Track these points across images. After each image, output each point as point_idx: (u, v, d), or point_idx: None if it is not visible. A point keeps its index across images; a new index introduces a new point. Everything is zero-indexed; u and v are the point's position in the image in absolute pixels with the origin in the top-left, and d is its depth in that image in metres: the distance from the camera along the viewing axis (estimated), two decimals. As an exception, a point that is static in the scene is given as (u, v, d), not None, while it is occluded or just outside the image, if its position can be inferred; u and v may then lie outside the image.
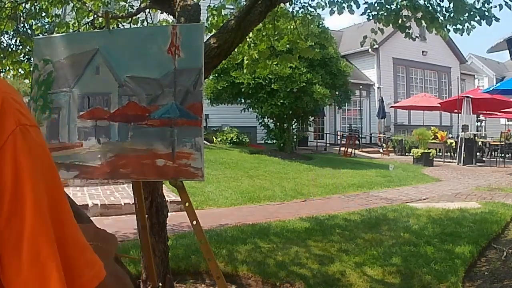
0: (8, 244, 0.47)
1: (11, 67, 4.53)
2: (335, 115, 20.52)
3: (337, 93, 14.47)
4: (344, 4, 3.77)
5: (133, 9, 4.28)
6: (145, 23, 4.40)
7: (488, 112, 17.47)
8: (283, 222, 5.27)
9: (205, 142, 13.10)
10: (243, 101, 13.72)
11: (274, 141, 14.21)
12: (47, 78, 1.88)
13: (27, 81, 4.37)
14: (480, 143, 15.78)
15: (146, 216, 2.21)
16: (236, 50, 3.60)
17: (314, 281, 3.36)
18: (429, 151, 13.50)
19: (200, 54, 1.77)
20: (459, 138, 13.83)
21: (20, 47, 5.79)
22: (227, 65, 11.24)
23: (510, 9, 3.51)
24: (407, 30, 3.72)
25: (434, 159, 13.57)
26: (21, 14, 4.40)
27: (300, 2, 4.66)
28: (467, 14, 3.48)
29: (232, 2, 4.66)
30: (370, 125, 21.70)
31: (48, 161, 0.52)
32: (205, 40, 2.15)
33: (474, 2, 3.54)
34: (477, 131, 18.93)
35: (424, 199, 7.52)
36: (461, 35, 3.72)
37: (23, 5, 4.25)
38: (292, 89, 12.26)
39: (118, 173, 1.84)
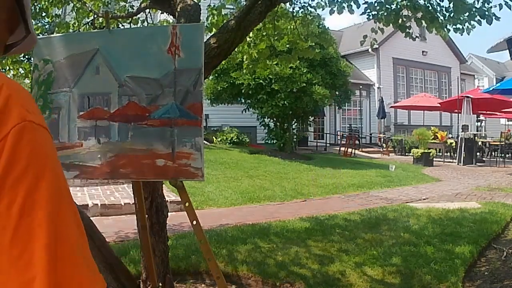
0: None
1: (11, 67, 4.53)
2: (335, 115, 20.52)
3: (337, 93, 14.47)
4: (344, 4, 3.77)
5: (133, 9, 4.28)
6: (145, 23, 4.40)
7: (488, 112, 17.46)
8: (283, 222, 5.27)
9: (205, 142, 13.10)
10: (243, 101, 13.72)
11: (274, 141, 14.21)
12: (47, 78, 1.88)
13: (27, 81, 4.37)
14: (480, 143, 15.78)
15: (146, 216, 2.21)
16: (236, 49, 3.60)
17: (314, 281, 3.36)
18: (429, 151, 13.50)
19: (200, 54, 1.77)
20: (459, 138, 13.83)
21: (20, 47, 5.78)
22: (227, 65, 11.24)
23: (510, 8, 3.51)
24: (407, 30, 3.72)
25: (434, 159, 13.57)
26: (21, 14, 4.40)
27: (300, 2, 4.66)
28: (467, 14, 3.48)
29: (232, 2, 4.66)
30: (370, 125, 21.70)
31: (50, 161, 0.49)
32: (205, 40, 2.15)
33: (474, 1, 3.54)
34: (477, 131, 18.93)
35: (424, 199, 7.52)
36: (461, 34, 3.72)
37: (23, 5, 4.24)
38: (292, 89, 12.26)
39: (118, 173, 1.84)
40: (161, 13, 4.90)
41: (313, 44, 9.02)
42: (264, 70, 4.73)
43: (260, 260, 3.82)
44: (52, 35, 2.29)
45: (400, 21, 3.61)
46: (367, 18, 3.78)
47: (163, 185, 2.93)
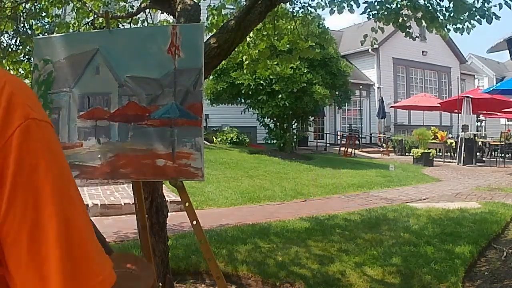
0: (8, 238, 0.46)
1: (11, 67, 4.53)
2: (335, 115, 20.51)
3: (337, 93, 14.47)
4: (344, 4, 3.77)
5: (133, 9, 4.28)
6: (145, 23, 4.40)
7: (488, 112, 17.46)
8: (283, 222, 5.27)
9: (205, 142, 13.09)
10: (243, 101, 13.72)
11: (274, 141, 14.21)
12: (47, 78, 1.88)
13: (27, 81, 4.37)
14: (480, 143, 15.77)
15: (146, 216, 2.21)
16: (236, 49, 3.60)
17: (314, 281, 3.36)
18: (429, 151, 13.50)
19: (200, 54, 1.77)
20: (459, 138, 13.82)
21: (20, 47, 5.79)
22: (227, 65, 11.24)
23: (510, 8, 3.51)
24: (407, 30, 3.72)
25: (434, 159, 13.56)
26: (21, 14, 4.41)
27: (300, 2, 4.67)
28: (467, 13, 3.48)
29: (232, 2, 4.66)
30: (370, 125, 21.70)
31: (56, 157, 0.51)
32: (205, 40, 2.15)
33: (474, 1, 3.54)
34: (477, 131, 18.93)
35: (424, 199, 7.52)
36: (461, 34, 3.72)
37: (23, 5, 4.25)
38: (293, 89, 12.26)
39: (118, 173, 1.84)
40: (161, 13, 4.90)
41: (313, 44, 9.02)
42: (265, 70, 4.72)
43: (260, 260, 3.82)
44: (52, 35, 2.29)
45: (400, 20, 3.61)
46: (367, 17, 3.78)
47: (163, 185, 2.93)
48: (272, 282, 3.40)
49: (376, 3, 3.64)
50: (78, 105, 1.86)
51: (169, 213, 2.81)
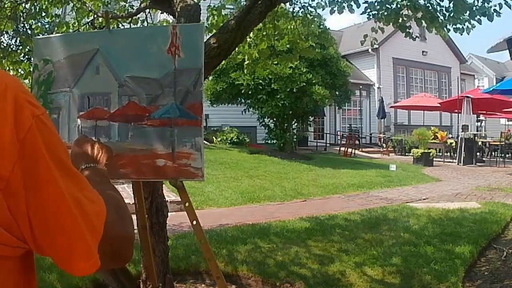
0: (36, 216, 0.55)
1: (11, 67, 4.53)
2: (335, 115, 20.52)
3: (337, 93, 14.47)
4: (344, 4, 3.77)
5: (133, 9, 4.28)
6: (145, 23, 4.40)
7: (488, 112, 17.46)
8: (283, 222, 5.27)
9: (205, 142, 13.09)
10: (243, 101, 13.72)
11: (274, 141, 14.21)
12: (47, 78, 1.87)
13: (27, 81, 4.37)
14: (480, 143, 15.77)
15: (146, 216, 2.21)
16: (236, 50, 3.60)
17: (314, 281, 3.36)
18: (429, 151, 13.50)
19: (200, 54, 1.77)
20: (459, 138, 13.82)
21: (20, 47, 5.79)
22: (227, 65, 11.24)
23: (510, 8, 3.51)
24: (407, 30, 3.72)
25: (434, 159, 13.56)
26: (21, 14, 4.40)
27: (300, 2, 4.67)
28: (468, 12, 3.48)
29: (232, 2, 4.66)
30: (370, 125, 21.70)
31: (59, 142, 0.60)
32: (205, 40, 2.15)
33: (474, 1, 3.54)
34: (477, 131, 18.93)
35: (424, 199, 7.52)
36: (461, 34, 3.72)
37: (23, 5, 4.25)
38: (292, 89, 12.25)
39: (118, 173, 1.84)
40: (161, 13, 4.90)
41: (314, 44, 9.03)
42: (264, 69, 4.72)
43: (260, 260, 3.82)
44: (52, 35, 2.29)
45: (400, 20, 3.61)
46: (367, 17, 3.78)
47: (163, 185, 2.93)
48: (272, 282, 3.40)
49: (376, 3, 3.64)
50: (78, 105, 1.86)
51: (169, 213, 2.80)
